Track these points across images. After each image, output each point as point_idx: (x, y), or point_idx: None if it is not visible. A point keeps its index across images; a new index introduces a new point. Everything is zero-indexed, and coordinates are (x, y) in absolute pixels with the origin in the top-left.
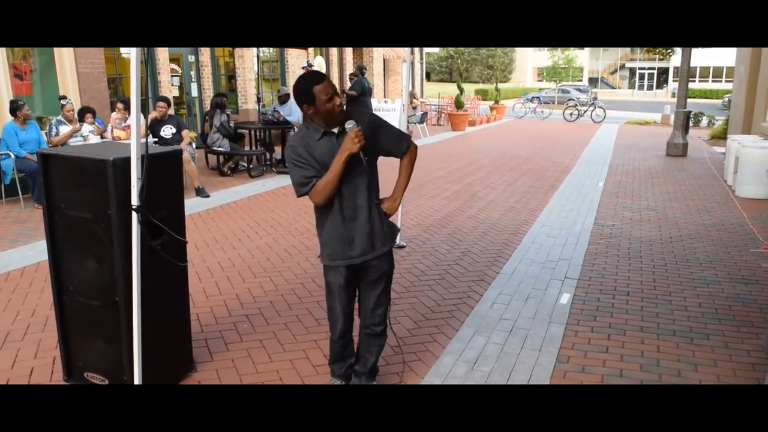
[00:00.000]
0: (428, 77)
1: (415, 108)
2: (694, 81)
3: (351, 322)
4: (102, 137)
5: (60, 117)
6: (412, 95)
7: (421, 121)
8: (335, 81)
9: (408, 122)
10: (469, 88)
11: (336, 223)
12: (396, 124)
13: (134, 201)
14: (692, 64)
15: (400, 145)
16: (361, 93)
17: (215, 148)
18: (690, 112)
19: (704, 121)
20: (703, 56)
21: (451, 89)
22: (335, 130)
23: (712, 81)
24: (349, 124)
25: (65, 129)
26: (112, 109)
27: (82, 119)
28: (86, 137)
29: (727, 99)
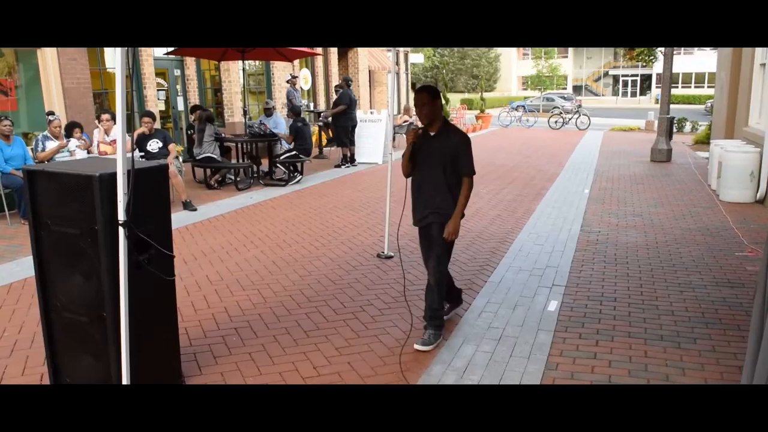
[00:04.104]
0: (414, 88)
1: (405, 122)
2: (677, 87)
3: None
4: (88, 152)
5: (46, 132)
6: (406, 110)
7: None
8: (321, 93)
9: (395, 133)
10: (455, 98)
11: (413, 194)
12: (382, 135)
13: (121, 216)
14: (674, 71)
15: (462, 169)
16: (349, 105)
17: (209, 155)
18: (673, 117)
19: (688, 126)
20: (685, 62)
21: None
22: (431, 133)
23: (695, 87)
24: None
25: (51, 144)
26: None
27: (70, 134)
28: (73, 152)
29: (709, 104)
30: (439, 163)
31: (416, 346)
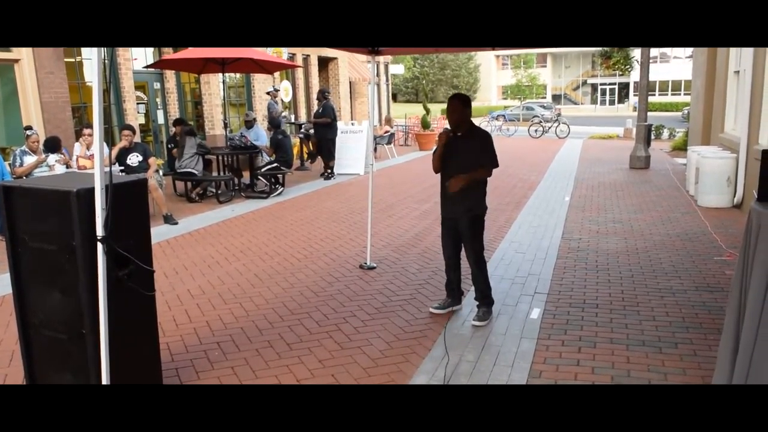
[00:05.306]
0: (395, 98)
1: (386, 132)
2: (654, 95)
3: (449, 258)
4: (68, 167)
5: (24, 147)
6: (387, 120)
7: (389, 142)
8: (302, 104)
9: (376, 143)
10: (435, 108)
11: (442, 190)
12: (363, 146)
13: (99, 231)
14: (651, 79)
15: (483, 160)
16: (334, 118)
17: (189, 170)
18: (651, 125)
19: (665, 133)
20: (661, 71)
21: (418, 110)
22: (459, 134)
23: (672, 94)
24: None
25: (30, 159)
26: (78, 138)
27: (55, 150)
28: (52, 167)
29: (686, 111)
30: (465, 160)
31: (473, 322)
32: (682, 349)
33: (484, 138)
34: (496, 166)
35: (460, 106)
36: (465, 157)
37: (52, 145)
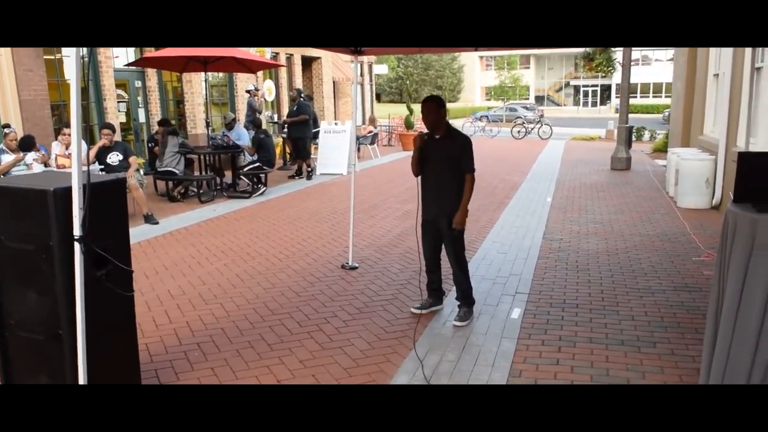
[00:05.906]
0: (378, 98)
1: (370, 132)
2: (636, 97)
3: (429, 260)
4: (46, 165)
5: (2, 146)
6: (371, 120)
7: (372, 142)
8: (285, 104)
9: (359, 143)
10: (419, 109)
11: (422, 192)
12: (346, 146)
13: (76, 231)
14: (633, 81)
15: (464, 167)
16: (312, 118)
17: (170, 169)
18: (632, 127)
19: (646, 135)
20: (643, 73)
21: (401, 110)
22: (437, 136)
23: (653, 96)
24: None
25: (7, 158)
26: (56, 137)
27: (29, 149)
28: (30, 165)
29: (667, 114)
30: (444, 162)
31: (454, 322)
32: (661, 348)
33: (464, 142)
34: (473, 170)
35: (435, 107)
36: (444, 157)
37: (27, 144)
